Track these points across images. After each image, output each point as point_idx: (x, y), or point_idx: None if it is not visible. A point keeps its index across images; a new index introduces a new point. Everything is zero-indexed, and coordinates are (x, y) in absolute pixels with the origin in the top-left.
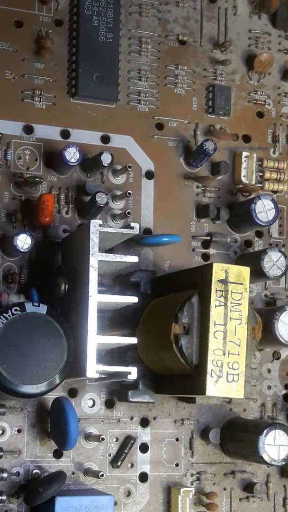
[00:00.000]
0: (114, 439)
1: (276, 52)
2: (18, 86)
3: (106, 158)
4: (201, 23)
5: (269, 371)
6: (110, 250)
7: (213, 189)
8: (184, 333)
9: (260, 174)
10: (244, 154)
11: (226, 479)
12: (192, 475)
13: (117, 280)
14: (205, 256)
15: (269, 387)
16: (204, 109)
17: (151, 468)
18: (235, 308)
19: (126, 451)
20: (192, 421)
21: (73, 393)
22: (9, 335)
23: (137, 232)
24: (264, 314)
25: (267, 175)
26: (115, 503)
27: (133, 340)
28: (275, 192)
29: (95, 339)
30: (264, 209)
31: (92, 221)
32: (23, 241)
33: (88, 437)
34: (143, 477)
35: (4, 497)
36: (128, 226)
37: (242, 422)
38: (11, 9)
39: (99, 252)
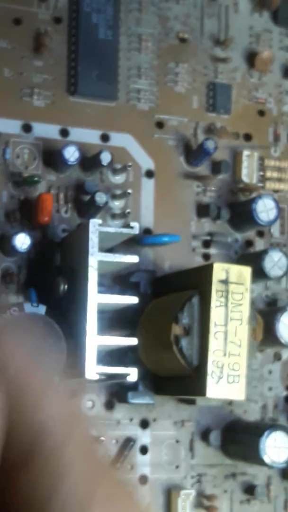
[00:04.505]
0: (114, 441)
1: (278, 50)
2: (17, 84)
3: (105, 158)
4: (201, 20)
5: (270, 372)
6: (110, 250)
7: (213, 188)
8: (184, 334)
9: (261, 173)
10: (245, 153)
11: (226, 482)
12: (192, 477)
13: (117, 280)
14: (206, 256)
15: (270, 389)
16: (204, 107)
17: (151, 470)
18: (236, 309)
19: (125, 453)
20: (192, 422)
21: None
22: None
23: (137, 232)
24: (265, 314)
25: (268, 174)
26: None
27: (133, 341)
28: (276, 191)
29: (95, 340)
30: (265, 209)
31: (91, 220)
32: (22, 241)
33: None
34: (143, 480)
35: None
36: (128, 226)
37: (243, 424)
38: (9, 6)
39: (98, 252)
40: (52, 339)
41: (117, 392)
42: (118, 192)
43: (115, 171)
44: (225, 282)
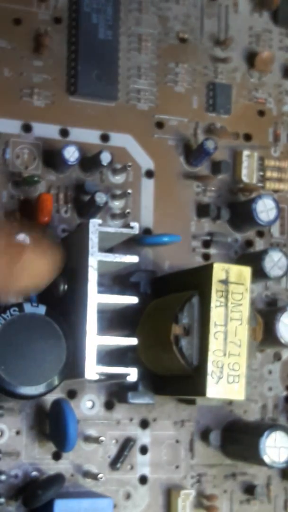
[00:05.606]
0: (114, 441)
1: (278, 50)
2: (17, 84)
3: (105, 158)
4: (201, 20)
5: (270, 372)
6: (110, 250)
7: (213, 188)
8: (184, 334)
9: (261, 173)
10: (245, 153)
11: (226, 482)
12: (192, 477)
13: (117, 280)
14: (206, 256)
15: (270, 389)
16: (204, 107)
17: (151, 470)
18: (236, 309)
19: (125, 453)
20: (192, 422)
21: (72, 394)
22: (7, 335)
23: (137, 232)
24: (264, 314)
25: (268, 174)
26: (115, 506)
27: (133, 341)
28: (276, 191)
29: (95, 340)
30: (265, 209)
31: (91, 220)
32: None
33: (87, 439)
34: (143, 480)
35: (2, 500)
36: (127, 226)
37: (242, 424)
38: (9, 6)
39: (98, 252)
40: (52, 339)
41: (117, 392)
42: (118, 192)
43: (115, 171)
44: (225, 282)
